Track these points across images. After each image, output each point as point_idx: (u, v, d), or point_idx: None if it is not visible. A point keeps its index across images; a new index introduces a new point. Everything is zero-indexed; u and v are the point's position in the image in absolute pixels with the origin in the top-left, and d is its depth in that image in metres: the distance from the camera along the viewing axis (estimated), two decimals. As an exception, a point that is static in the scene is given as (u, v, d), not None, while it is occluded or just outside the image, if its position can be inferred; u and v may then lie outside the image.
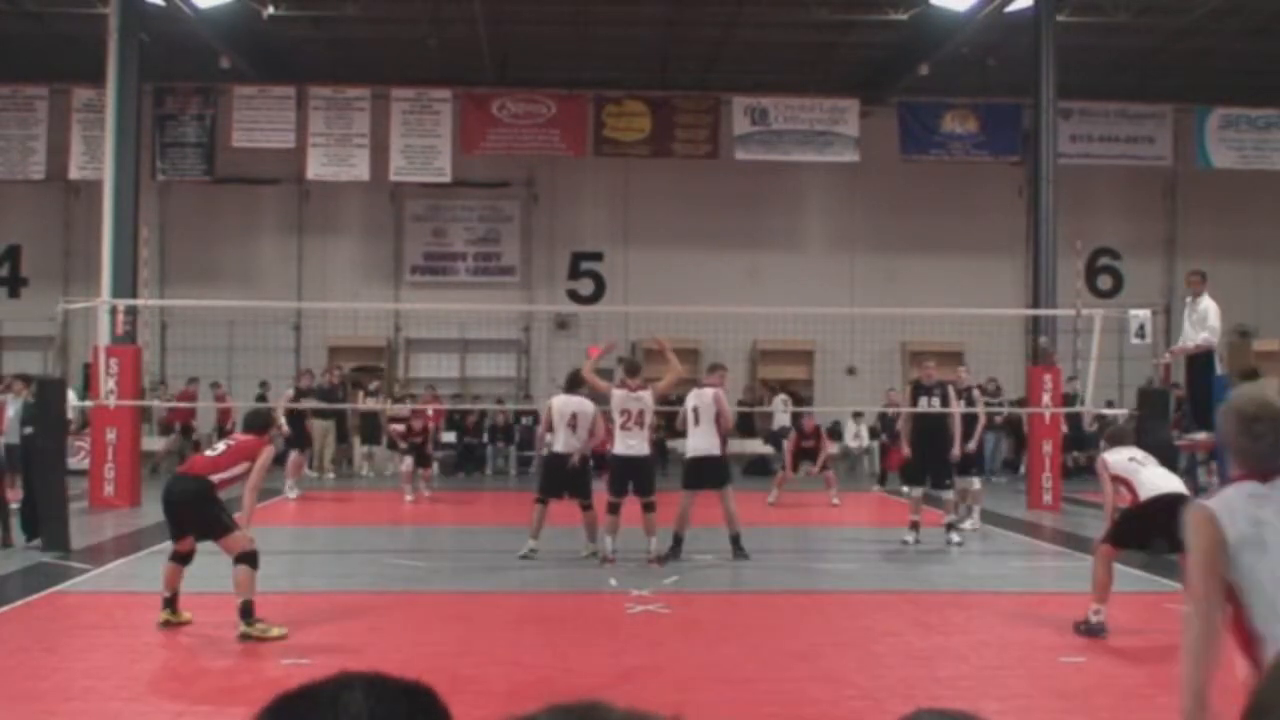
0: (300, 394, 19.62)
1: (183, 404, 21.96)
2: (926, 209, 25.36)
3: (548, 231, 26.03)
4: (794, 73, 24.34)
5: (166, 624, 8.60)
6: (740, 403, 22.98)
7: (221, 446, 9.07)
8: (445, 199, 25.66)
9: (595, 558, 11.85)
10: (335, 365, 22.98)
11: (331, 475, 21.78)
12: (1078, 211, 22.16)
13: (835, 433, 22.75)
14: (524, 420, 23.28)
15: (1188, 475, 12.25)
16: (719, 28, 22.25)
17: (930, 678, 7.42)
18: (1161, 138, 24.40)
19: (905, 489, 13.99)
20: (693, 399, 12.43)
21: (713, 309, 21.20)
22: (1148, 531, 8.60)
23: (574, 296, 25.65)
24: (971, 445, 14.67)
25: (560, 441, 12.10)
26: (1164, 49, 23.03)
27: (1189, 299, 13.69)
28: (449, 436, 23.31)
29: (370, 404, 21.93)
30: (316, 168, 23.30)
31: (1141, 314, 15.52)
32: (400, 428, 19.08)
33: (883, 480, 21.26)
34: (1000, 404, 20.37)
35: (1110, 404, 19.65)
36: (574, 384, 12.65)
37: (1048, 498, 17.70)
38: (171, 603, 8.62)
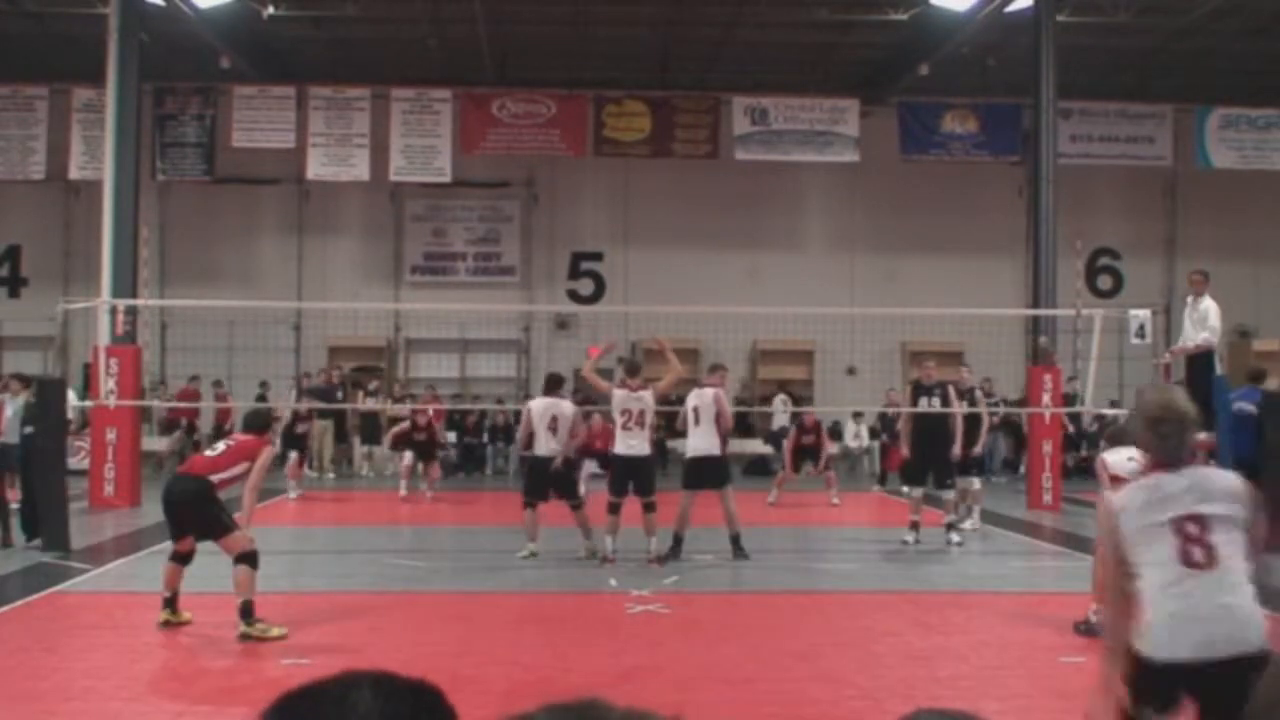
0: (298, 395, 19.63)
1: (182, 404, 21.98)
2: (926, 209, 25.37)
3: (548, 231, 26.04)
4: (794, 73, 24.35)
5: (166, 624, 8.60)
6: (736, 400, 22.97)
7: (221, 446, 9.07)
8: (445, 199, 25.66)
9: (595, 557, 11.85)
10: (335, 365, 23.00)
11: (331, 475, 21.79)
12: (1078, 211, 22.17)
13: (835, 433, 22.73)
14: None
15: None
16: (719, 28, 22.24)
17: (930, 678, 7.42)
18: (1161, 138, 24.40)
19: (905, 489, 13.99)
20: (693, 399, 12.43)
21: (713, 309, 21.20)
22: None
23: (574, 296, 25.65)
24: (978, 449, 14.65)
25: (542, 444, 12.07)
26: (1164, 49, 23.04)
27: (1190, 298, 13.67)
28: (449, 436, 23.30)
29: (370, 404, 21.93)
30: (316, 168, 23.30)
31: (1141, 314, 15.52)
32: (405, 426, 19.03)
33: (883, 480, 21.26)
34: (996, 404, 20.37)
35: (1114, 403, 19.66)
36: (552, 385, 12.64)
37: (1048, 498, 17.70)
38: (171, 603, 8.62)
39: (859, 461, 23.88)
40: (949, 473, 13.64)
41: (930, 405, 13.61)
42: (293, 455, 18.14)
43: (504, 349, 25.70)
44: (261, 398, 21.48)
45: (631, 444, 11.94)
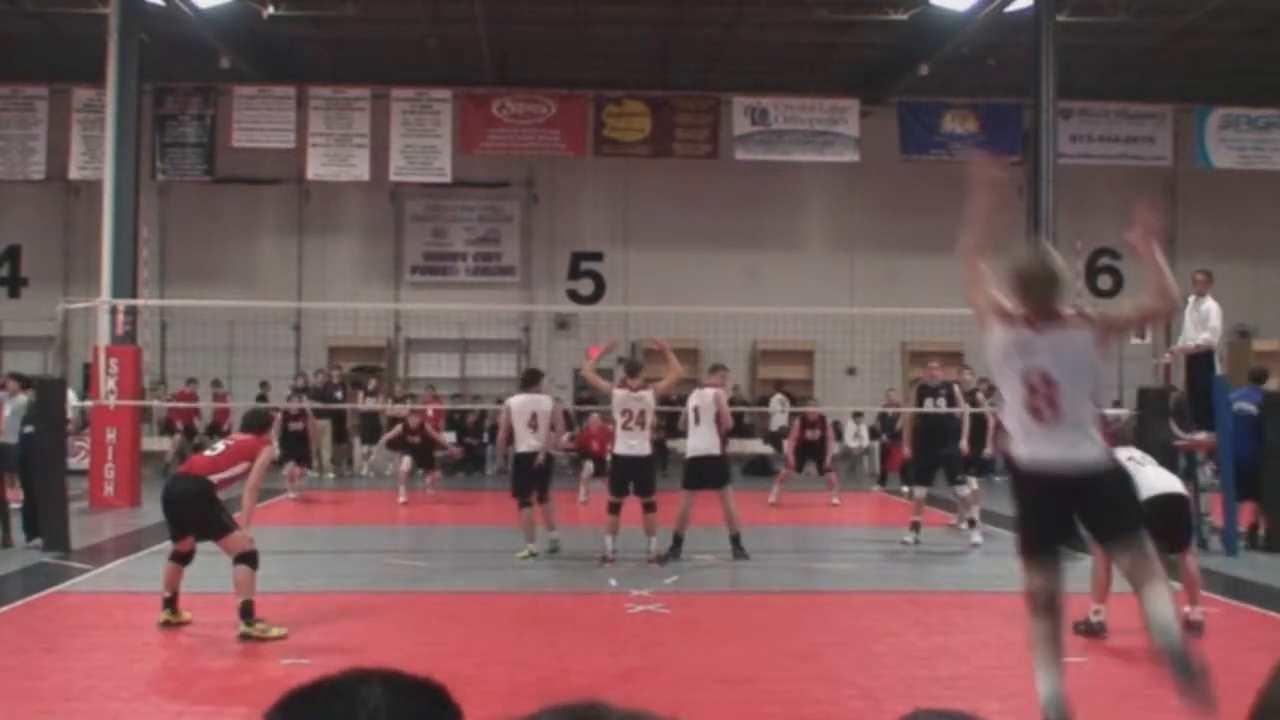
0: (295, 394, 19.62)
1: (182, 404, 21.97)
2: (926, 209, 25.30)
3: (548, 231, 26.04)
4: (794, 73, 24.35)
5: (166, 624, 8.59)
6: (732, 400, 22.95)
7: (221, 446, 9.07)
8: (445, 199, 25.67)
9: (555, 554, 12.06)
10: (334, 365, 22.99)
11: (331, 475, 21.78)
12: (1078, 211, 22.15)
13: (835, 433, 22.71)
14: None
15: (1187, 476, 12.22)
16: (719, 28, 22.25)
17: (930, 678, 7.42)
18: (1161, 138, 24.40)
19: (905, 489, 13.99)
20: (694, 399, 12.45)
21: (713, 309, 21.20)
22: (1147, 532, 8.61)
23: (574, 296, 25.66)
24: (988, 450, 14.63)
25: (523, 441, 12.06)
26: (1164, 49, 23.04)
27: (1192, 298, 13.65)
28: (449, 436, 23.27)
29: (370, 404, 21.92)
30: (316, 168, 23.31)
31: (1142, 314, 15.45)
32: (398, 430, 18.89)
33: (883, 480, 21.26)
34: (996, 404, 20.36)
35: (1117, 403, 19.64)
36: (529, 381, 12.63)
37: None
38: (171, 603, 8.62)
39: (859, 462, 23.88)
40: (960, 469, 13.64)
41: (936, 406, 13.60)
42: (289, 466, 18.06)
43: (504, 349, 25.71)
44: (262, 398, 21.47)
45: (632, 444, 11.94)
